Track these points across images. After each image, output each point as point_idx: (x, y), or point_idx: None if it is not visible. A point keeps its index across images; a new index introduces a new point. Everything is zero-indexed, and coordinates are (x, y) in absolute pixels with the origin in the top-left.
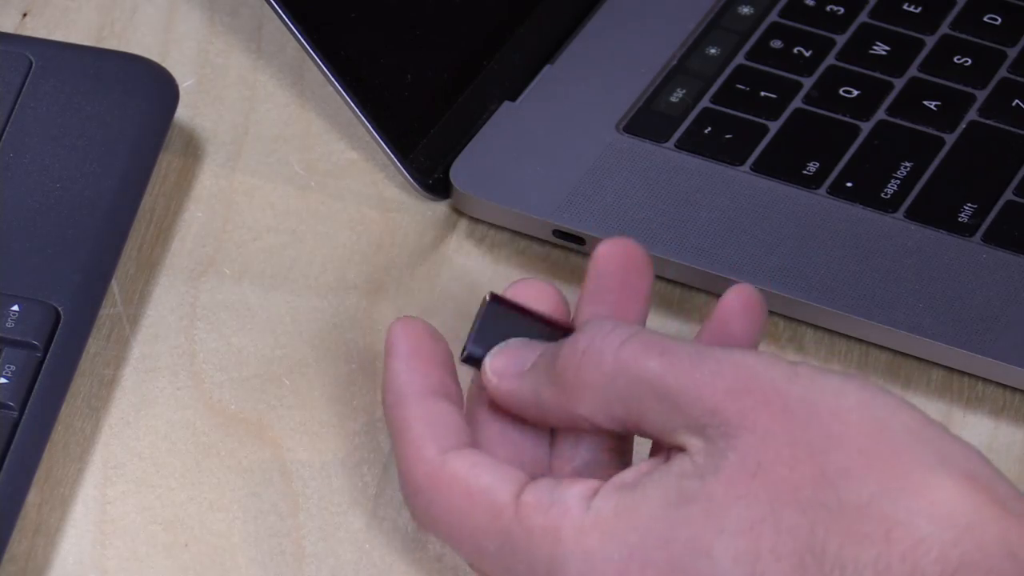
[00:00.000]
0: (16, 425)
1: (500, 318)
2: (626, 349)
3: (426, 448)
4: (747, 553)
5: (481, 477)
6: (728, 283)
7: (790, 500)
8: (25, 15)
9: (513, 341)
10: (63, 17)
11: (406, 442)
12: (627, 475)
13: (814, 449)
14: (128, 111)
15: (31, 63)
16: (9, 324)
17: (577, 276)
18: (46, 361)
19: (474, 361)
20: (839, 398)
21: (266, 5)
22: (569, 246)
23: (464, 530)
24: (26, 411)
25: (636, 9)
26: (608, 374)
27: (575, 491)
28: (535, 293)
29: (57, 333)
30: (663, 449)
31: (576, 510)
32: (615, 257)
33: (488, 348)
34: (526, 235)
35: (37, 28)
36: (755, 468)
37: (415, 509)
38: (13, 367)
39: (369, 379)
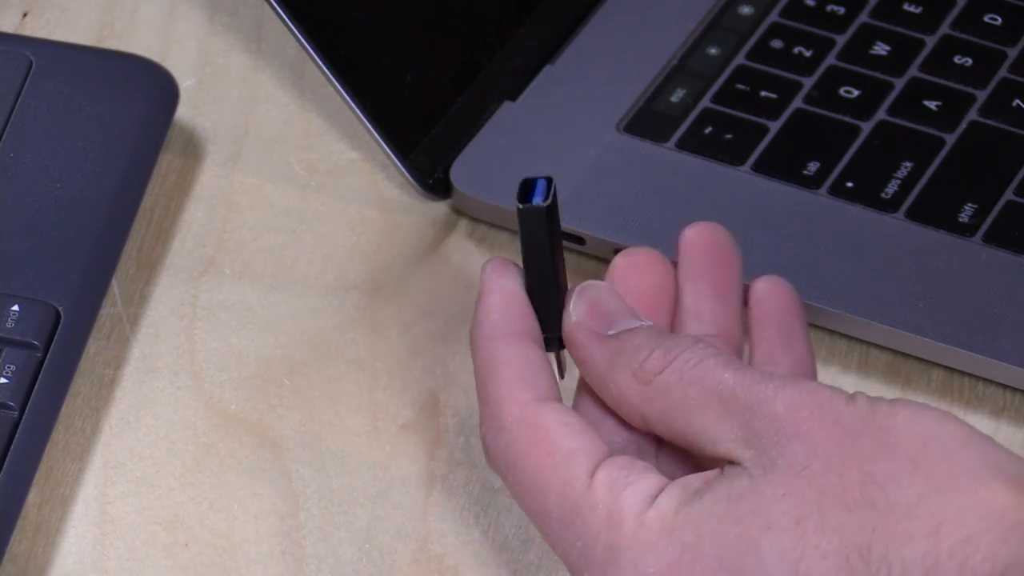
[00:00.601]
0: (16, 425)
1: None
2: (709, 362)
3: (522, 390)
4: (792, 549)
5: (569, 438)
6: None
7: (837, 499)
8: (25, 15)
9: (603, 291)
10: (63, 17)
11: (500, 379)
12: (694, 479)
13: (863, 457)
14: (128, 111)
15: (31, 63)
16: (9, 324)
17: (577, 275)
18: (46, 361)
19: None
20: (889, 417)
21: (266, 5)
22: (569, 246)
23: (536, 487)
24: (26, 411)
25: (636, 9)
26: (686, 383)
27: (647, 484)
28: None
29: (57, 333)
30: (719, 466)
31: (643, 502)
32: (703, 239)
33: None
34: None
35: (37, 28)
36: (801, 470)
37: (493, 448)
38: (13, 367)
39: (369, 379)
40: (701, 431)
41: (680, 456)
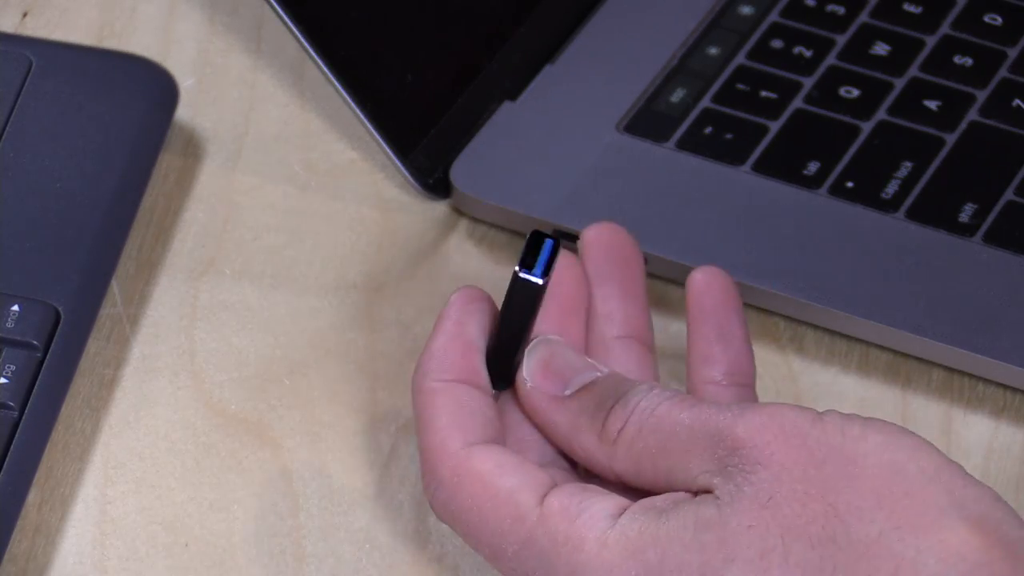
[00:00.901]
0: (16, 425)
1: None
2: (663, 406)
3: (452, 440)
4: None
5: (506, 478)
6: None
7: (800, 534)
8: (25, 15)
9: (557, 348)
10: (63, 17)
11: (432, 430)
12: (659, 500)
13: (827, 488)
14: (128, 111)
15: (31, 63)
16: (9, 324)
17: None
18: (46, 361)
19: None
20: (858, 442)
21: (266, 5)
22: (569, 246)
23: (485, 530)
24: (26, 411)
25: (636, 9)
26: (647, 433)
27: (604, 505)
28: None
29: (57, 333)
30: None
31: (603, 523)
32: (604, 240)
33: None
34: (526, 235)
35: (37, 28)
36: (767, 500)
37: (435, 502)
38: (13, 367)
39: (369, 379)
40: (671, 475)
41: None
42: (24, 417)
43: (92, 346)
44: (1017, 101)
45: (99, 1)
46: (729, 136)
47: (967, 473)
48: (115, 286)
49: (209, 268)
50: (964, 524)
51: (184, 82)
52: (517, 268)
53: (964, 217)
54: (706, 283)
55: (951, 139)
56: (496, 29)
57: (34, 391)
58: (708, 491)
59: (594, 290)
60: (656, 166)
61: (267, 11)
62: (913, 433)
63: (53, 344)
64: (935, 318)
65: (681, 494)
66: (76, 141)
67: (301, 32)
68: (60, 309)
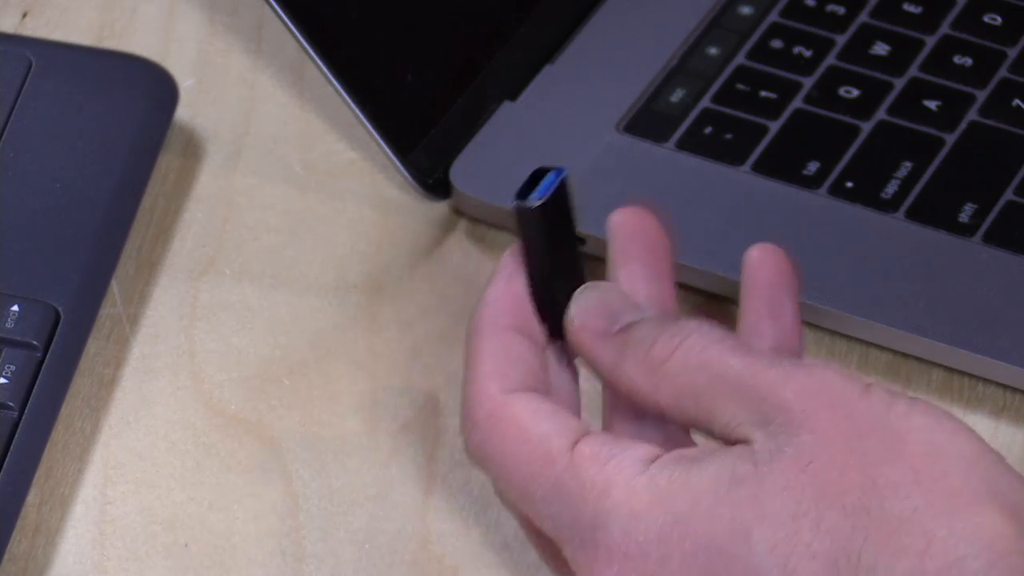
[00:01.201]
0: (16, 425)
1: (560, 205)
2: (715, 347)
3: (490, 384)
4: (783, 544)
5: (540, 423)
6: (729, 283)
7: (835, 501)
8: (25, 15)
9: (606, 291)
10: (63, 17)
11: (475, 374)
12: (689, 450)
13: (867, 460)
14: (128, 111)
15: (31, 63)
16: (9, 324)
17: None
18: (46, 361)
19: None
20: (902, 420)
21: (266, 5)
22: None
23: (515, 473)
24: (26, 411)
25: (636, 9)
26: (693, 368)
27: (634, 453)
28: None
29: (57, 333)
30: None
31: (631, 470)
32: (628, 222)
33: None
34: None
35: (37, 28)
36: (806, 464)
37: (470, 443)
38: (13, 367)
39: (369, 379)
40: (712, 415)
41: None
42: (24, 417)
43: (92, 346)
44: (1017, 101)
45: (99, 1)
46: (729, 136)
47: (1007, 463)
48: (115, 286)
49: (209, 268)
50: (998, 511)
51: (184, 82)
52: (516, 198)
53: (964, 217)
54: (760, 259)
55: (951, 139)
56: (496, 29)
57: (34, 391)
58: (745, 442)
59: (618, 271)
60: (656, 166)
61: (267, 11)
62: (956, 418)
63: (53, 344)
64: (935, 318)
65: (715, 445)
66: (76, 141)
67: (301, 32)
68: (60, 309)
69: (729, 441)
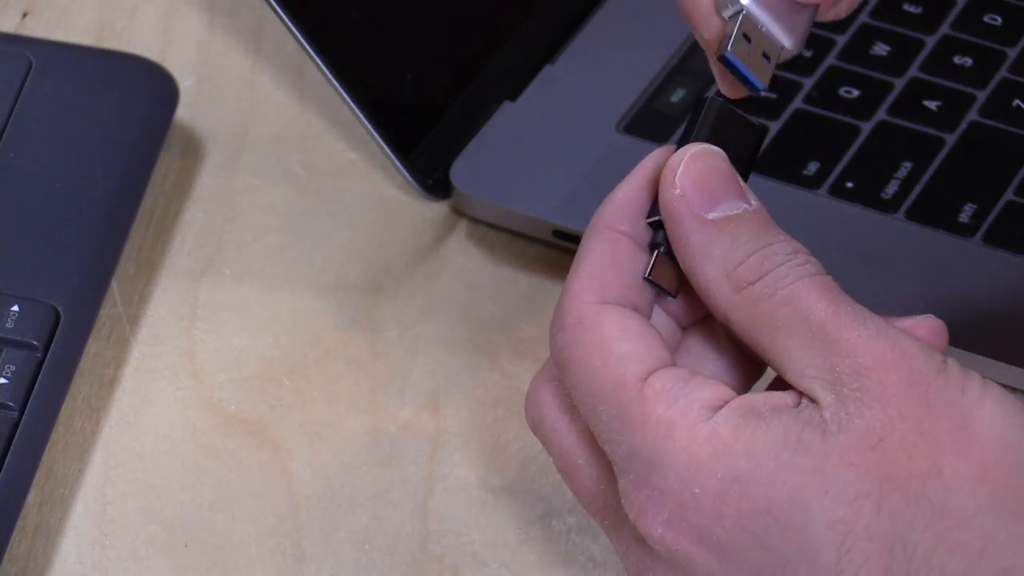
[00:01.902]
0: (16, 425)
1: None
2: (804, 283)
3: (588, 291)
4: (842, 522)
5: (625, 343)
6: None
7: (900, 485)
8: (25, 15)
9: (717, 167)
10: (63, 17)
11: (576, 275)
12: (756, 400)
13: (937, 446)
14: (128, 111)
15: (31, 63)
16: (9, 324)
17: None
18: (46, 361)
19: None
20: (975, 406)
21: (266, 5)
22: (569, 246)
23: (587, 387)
24: (26, 411)
25: (636, 9)
26: (777, 301)
27: (703, 395)
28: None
29: (57, 333)
30: (794, 392)
31: (697, 415)
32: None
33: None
34: (526, 235)
35: (37, 28)
36: (876, 442)
37: (553, 343)
38: (13, 367)
39: (369, 379)
40: (783, 355)
41: None
42: (24, 417)
43: (92, 346)
44: (1017, 101)
45: (99, 1)
46: None
47: None
48: (115, 286)
49: (209, 268)
50: None
51: (184, 82)
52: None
53: (964, 217)
54: None
55: (951, 139)
56: (496, 29)
57: (34, 391)
58: (814, 400)
59: None
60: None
61: (267, 11)
62: None
63: (53, 344)
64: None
65: (784, 401)
66: (76, 141)
67: (301, 32)
68: (60, 309)
69: (797, 388)
